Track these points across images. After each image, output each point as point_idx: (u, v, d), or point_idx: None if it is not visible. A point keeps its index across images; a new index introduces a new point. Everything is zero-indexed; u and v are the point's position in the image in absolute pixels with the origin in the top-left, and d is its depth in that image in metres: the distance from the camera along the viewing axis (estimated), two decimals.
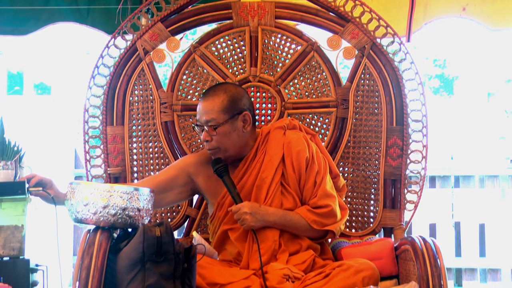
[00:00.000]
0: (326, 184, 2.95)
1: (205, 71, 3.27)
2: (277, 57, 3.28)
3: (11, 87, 8.68)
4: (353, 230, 3.24)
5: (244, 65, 3.28)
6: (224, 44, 3.29)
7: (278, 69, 3.28)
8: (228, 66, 3.28)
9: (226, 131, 2.92)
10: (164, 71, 8.19)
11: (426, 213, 5.95)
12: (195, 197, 3.24)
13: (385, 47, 3.23)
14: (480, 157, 6.89)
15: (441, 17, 4.14)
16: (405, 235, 3.14)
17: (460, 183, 6.21)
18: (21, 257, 2.83)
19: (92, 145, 3.24)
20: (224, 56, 3.29)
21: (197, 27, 3.35)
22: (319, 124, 3.27)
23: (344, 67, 5.79)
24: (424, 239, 2.69)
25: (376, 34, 3.24)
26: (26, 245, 2.84)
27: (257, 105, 3.27)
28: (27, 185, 2.82)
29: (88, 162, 3.23)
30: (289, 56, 3.27)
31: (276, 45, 3.28)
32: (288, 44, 3.28)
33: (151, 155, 3.26)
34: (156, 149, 3.26)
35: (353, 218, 3.25)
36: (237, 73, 3.28)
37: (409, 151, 3.21)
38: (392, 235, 3.19)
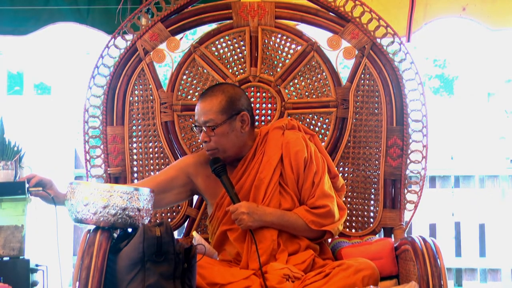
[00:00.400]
0: (324, 184, 2.95)
1: (205, 71, 3.27)
2: (277, 57, 3.28)
3: (11, 87, 8.68)
4: (353, 230, 3.24)
5: (244, 65, 3.28)
6: (224, 44, 3.29)
7: (278, 69, 3.28)
8: (228, 66, 3.28)
9: (224, 131, 2.92)
10: (164, 71, 8.19)
11: (426, 213, 5.95)
12: (195, 197, 3.24)
13: (385, 47, 3.23)
14: (480, 157, 6.89)
15: (441, 17, 4.14)
16: (405, 235, 3.14)
17: (460, 183, 6.21)
18: (21, 257, 2.82)
19: (92, 145, 3.24)
20: (224, 56, 3.29)
21: (197, 27, 3.35)
22: (319, 124, 3.27)
23: (344, 67, 5.79)
24: (424, 239, 2.69)
25: (376, 34, 3.24)
26: (26, 245, 2.84)
27: (257, 105, 3.27)
28: (27, 185, 2.82)
29: (88, 162, 3.23)
30: (289, 56, 3.27)
31: (276, 45, 3.28)
32: (288, 44, 3.28)
33: (151, 155, 3.26)
34: (156, 149, 3.26)
35: (353, 218, 3.25)
36: (237, 73, 3.28)
37: (409, 151, 3.21)
38: (392, 235, 3.19)
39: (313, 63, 3.27)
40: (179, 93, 3.27)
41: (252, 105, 3.16)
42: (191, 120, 3.24)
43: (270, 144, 2.98)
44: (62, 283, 2.80)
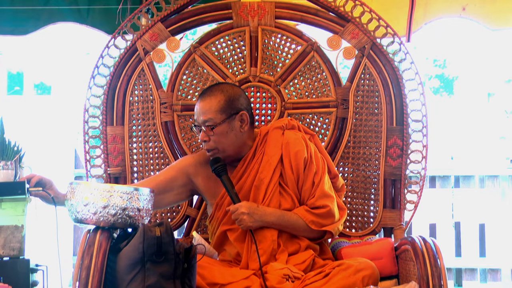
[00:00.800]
0: (325, 185, 2.95)
1: (205, 71, 3.27)
2: (277, 57, 3.28)
3: (11, 87, 8.68)
4: (353, 230, 3.24)
5: (244, 65, 3.28)
6: (224, 44, 3.29)
7: (278, 69, 3.28)
8: (228, 66, 3.28)
9: (223, 131, 2.92)
10: (164, 71, 8.19)
11: (426, 213, 5.95)
12: (195, 197, 3.24)
13: (385, 47, 3.23)
14: (480, 157, 6.89)
15: (441, 17, 4.14)
16: (405, 235, 3.14)
17: (460, 183, 6.21)
18: (21, 257, 2.82)
19: (92, 145, 3.24)
20: (224, 56, 3.29)
21: (197, 27, 3.35)
22: (319, 124, 3.27)
23: (344, 67, 5.79)
24: (424, 239, 2.69)
25: (376, 34, 3.24)
26: (26, 245, 2.84)
27: (257, 105, 3.27)
28: (27, 185, 2.81)
29: (88, 162, 3.23)
30: (289, 56, 3.27)
31: (276, 45, 3.28)
32: (288, 44, 3.28)
33: (151, 155, 3.26)
34: (156, 149, 3.26)
35: (353, 218, 3.25)
36: (237, 73, 3.28)
37: (409, 151, 3.21)
38: (392, 235, 3.19)
39: (313, 63, 3.27)
40: (179, 93, 3.27)
41: (252, 105, 3.16)
42: (191, 120, 3.23)
43: (270, 144, 2.98)
44: (62, 283, 2.80)
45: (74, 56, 8.03)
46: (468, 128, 7.83)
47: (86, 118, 3.22)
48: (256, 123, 3.24)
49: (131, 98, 3.25)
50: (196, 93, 3.26)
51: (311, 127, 3.26)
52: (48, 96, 8.09)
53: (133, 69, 3.24)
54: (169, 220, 3.23)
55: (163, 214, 3.25)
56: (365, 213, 3.24)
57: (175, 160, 3.20)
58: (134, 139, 3.25)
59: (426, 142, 3.21)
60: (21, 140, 2.97)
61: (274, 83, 3.27)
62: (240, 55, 3.29)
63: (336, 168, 3.12)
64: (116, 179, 3.22)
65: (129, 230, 2.64)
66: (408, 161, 3.20)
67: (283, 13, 3.28)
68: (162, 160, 3.26)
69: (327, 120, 3.26)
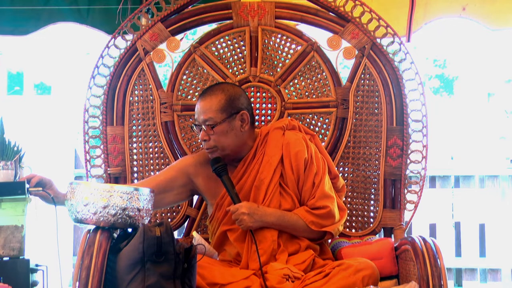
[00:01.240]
0: (325, 185, 2.95)
1: (205, 71, 3.27)
2: (277, 57, 3.28)
3: (11, 87, 8.68)
4: (353, 230, 3.24)
5: (244, 65, 3.28)
6: (224, 44, 3.29)
7: (278, 69, 3.28)
8: (228, 66, 3.28)
9: (223, 130, 2.92)
10: (164, 71, 8.19)
11: (426, 213, 5.95)
12: (195, 197, 3.24)
13: (385, 47, 3.23)
14: (480, 157, 6.89)
15: (441, 17, 4.14)
16: (405, 235, 3.14)
17: (460, 183, 6.21)
18: (21, 257, 2.82)
19: (92, 145, 3.24)
20: (224, 56, 3.29)
21: (197, 27, 3.35)
22: (319, 124, 3.27)
23: (344, 67, 5.79)
24: (424, 239, 2.69)
25: (376, 34, 3.24)
26: (26, 245, 2.84)
27: (257, 105, 3.27)
28: (27, 185, 2.81)
29: (88, 162, 3.23)
30: (289, 56, 3.27)
31: (276, 45, 3.28)
32: (288, 44, 3.28)
33: (151, 155, 3.26)
34: (156, 149, 3.26)
35: (353, 218, 3.25)
36: (237, 73, 3.28)
37: (409, 151, 3.21)
38: (392, 235, 3.19)
39: (313, 63, 3.27)
40: (179, 93, 3.27)
41: (252, 105, 3.16)
42: (191, 120, 3.23)
43: (270, 145, 2.98)
44: (62, 283, 2.80)
45: (74, 56, 8.03)
46: (468, 128, 7.83)
47: (86, 118, 3.22)
48: (256, 123, 3.23)
49: (131, 98, 3.25)
50: (196, 93, 3.26)
51: (311, 127, 3.26)
52: (48, 96, 8.09)
53: (133, 69, 3.24)
54: (169, 220, 3.23)
55: (163, 214, 3.25)
56: (365, 213, 3.24)
57: (175, 160, 3.20)
58: (134, 139, 3.25)
59: (426, 142, 3.21)
60: (21, 140, 2.97)
61: (274, 83, 3.27)
62: (240, 55, 3.29)
63: (336, 168, 3.12)
64: (116, 179, 3.22)
65: (129, 230, 2.64)
66: (408, 161, 3.20)
67: (283, 13, 3.28)
68: (162, 160, 3.26)
69: (327, 120, 3.26)
